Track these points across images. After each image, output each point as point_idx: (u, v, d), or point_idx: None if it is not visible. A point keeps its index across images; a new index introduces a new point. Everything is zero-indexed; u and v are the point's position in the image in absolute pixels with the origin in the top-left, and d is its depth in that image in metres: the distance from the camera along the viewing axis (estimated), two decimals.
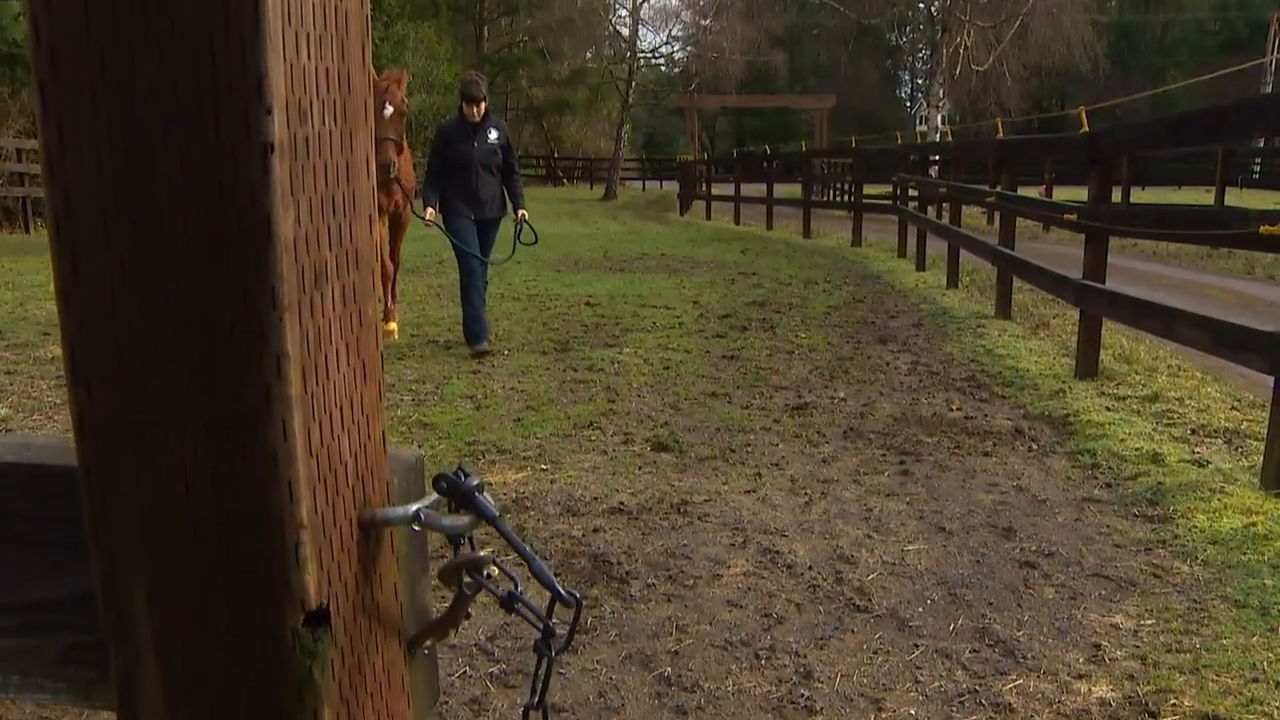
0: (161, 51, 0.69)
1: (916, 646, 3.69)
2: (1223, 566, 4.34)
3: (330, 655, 0.79)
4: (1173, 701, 3.29)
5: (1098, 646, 3.67)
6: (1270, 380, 5.29)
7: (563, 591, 0.90)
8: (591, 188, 50.33)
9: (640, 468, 5.65)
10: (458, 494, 0.86)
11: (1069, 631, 3.80)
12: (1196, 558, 4.45)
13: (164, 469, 0.72)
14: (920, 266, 15.13)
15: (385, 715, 0.90)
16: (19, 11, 19.85)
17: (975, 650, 3.66)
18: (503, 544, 4.39)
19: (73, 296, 0.73)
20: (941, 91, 45.51)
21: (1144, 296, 8.01)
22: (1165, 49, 66.52)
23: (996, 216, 13.29)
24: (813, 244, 20.47)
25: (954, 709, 3.29)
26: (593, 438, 6.21)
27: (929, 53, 53.34)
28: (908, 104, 75.14)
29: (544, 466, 5.66)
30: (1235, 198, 24.54)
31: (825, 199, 31.05)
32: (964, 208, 14.26)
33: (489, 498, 0.85)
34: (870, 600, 4.05)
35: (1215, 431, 6.29)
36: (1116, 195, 19.81)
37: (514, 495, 5.15)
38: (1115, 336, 8.93)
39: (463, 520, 0.85)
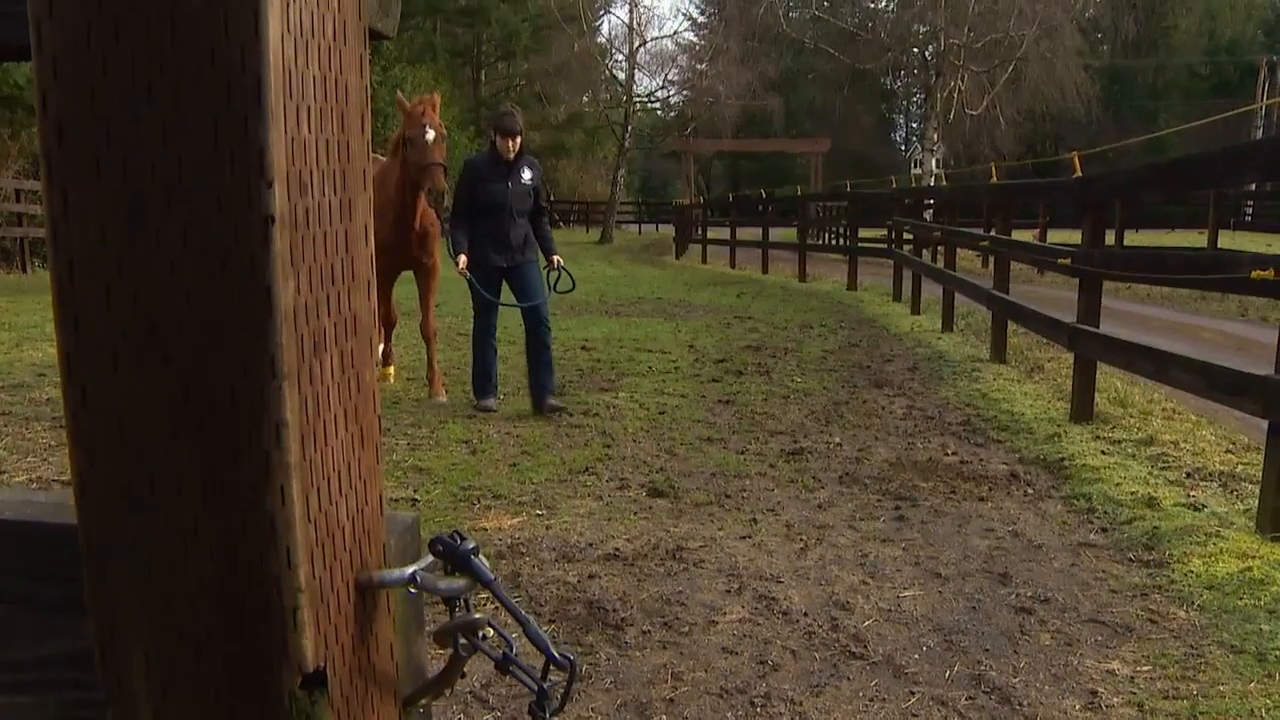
0: (165, 125, 0.70)
1: (912, 694, 3.68)
2: (1219, 612, 4.34)
3: (327, 717, 0.80)
4: None
5: (1094, 693, 3.66)
6: (1264, 423, 5.31)
7: (557, 655, 0.91)
8: (588, 231, 50.51)
9: (636, 513, 5.65)
10: (454, 557, 0.87)
11: (1065, 678, 3.80)
12: (1193, 603, 4.44)
13: (163, 535, 0.73)
14: (915, 310, 15.18)
15: None
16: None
17: (971, 697, 3.65)
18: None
19: (75, 363, 0.75)
20: (936, 135, 45.88)
21: (1138, 339, 8.05)
22: (1157, 92, 66.98)
23: (991, 259, 13.35)
24: (808, 287, 20.53)
25: None
26: (588, 483, 6.21)
27: (923, 97, 53.78)
28: (902, 147, 75.63)
29: (539, 512, 5.65)
30: (1228, 240, 24.66)
31: (821, 242, 31.18)
32: (958, 250, 14.32)
33: (484, 560, 0.86)
34: (866, 647, 4.04)
35: (1210, 475, 6.29)
36: (1110, 238, 19.91)
37: (509, 541, 5.14)
38: (1110, 380, 8.95)
39: (458, 583, 0.86)
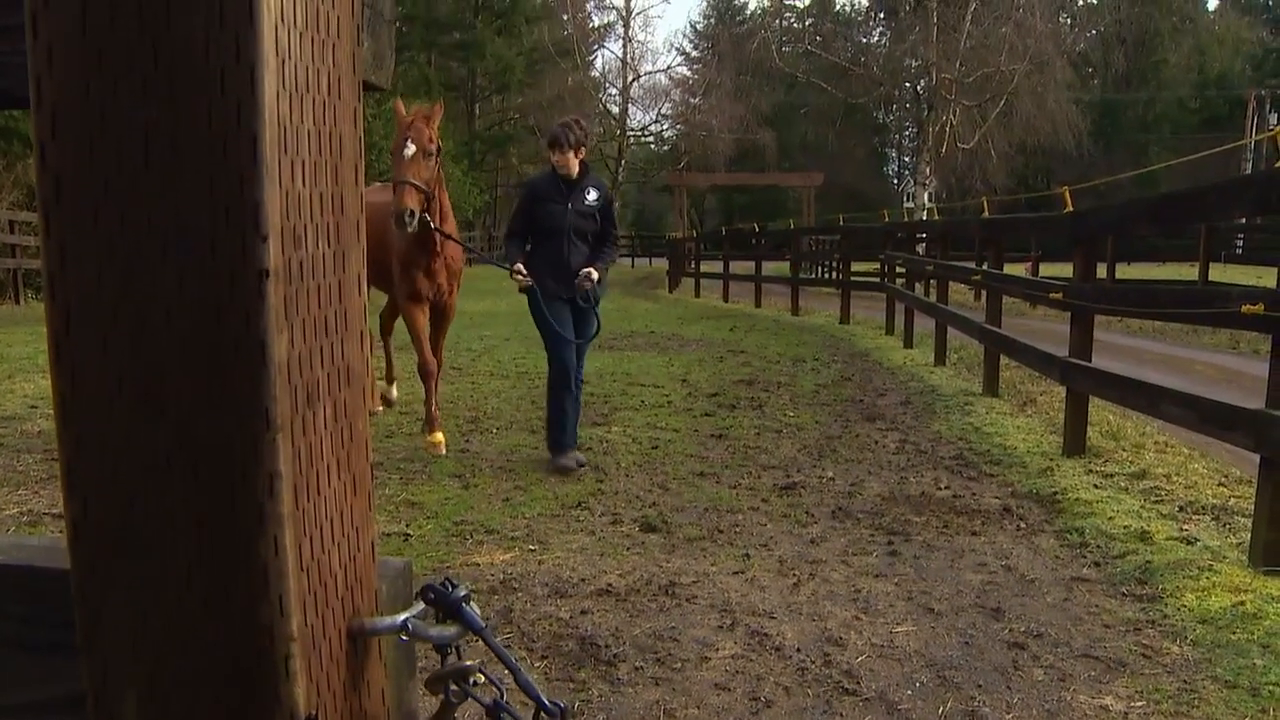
0: (163, 180, 0.71)
1: None
2: (1212, 646, 4.33)
3: None
4: None
5: None
6: (1256, 456, 5.32)
7: (547, 702, 0.91)
8: None
9: (628, 548, 5.64)
10: (445, 604, 0.88)
11: (1058, 714, 3.79)
12: (1186, 637, 4.44)
13: (157, 584, 0.74)
14: (908, 344, 15.21)
15: None
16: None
17: None
18: (499, 637, 4.38)
19: (71, 411, 0.76)
20: (928, 169, 46.08)
21: (1130, 372, 8.07)
22: (1147, 126, 67.39)
23: (983, 293, 13.39)
24: (801, 321, 20.56)
25: None
26: (581, 518, 6.20)
27: (915, 131, 54.11)
28: (895, 181, 75.91)
29: (532, 547, 5.65)
30: (1219, 273, 24.76)
31: (813, 276, 31.25)
32: (951, 284, 14.37)
33: (475, 608, 0.87)
34: (859, 683, 4.03)
35: (1203, 508, 6.30)
36: (1102, 271, 19.99)
37: (501, 576, 5.13)
38: (1102, 413, 8.97)
39: (449, 630, 0.87)
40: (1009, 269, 13.60)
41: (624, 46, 52.64)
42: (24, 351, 12.98)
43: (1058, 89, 47.31)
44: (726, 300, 26.54)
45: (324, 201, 0.79)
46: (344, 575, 0.83)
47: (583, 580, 5.11)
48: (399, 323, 9.22)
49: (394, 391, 9.97)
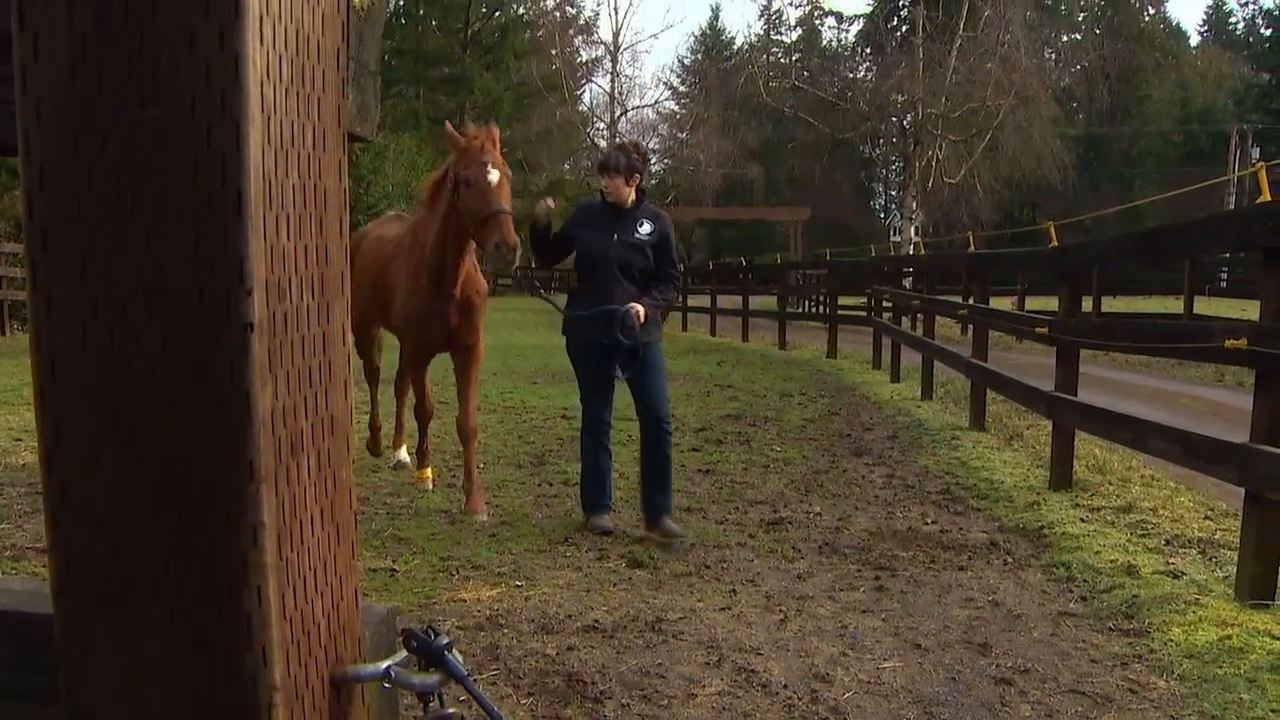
0: (148, 234, 0.72)
1: None
2: (1199, 681, 4.33)
3: None
4: None
5: None
6: (1242, 490, 5.34)
7: None
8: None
9: (615, 584, 5.63)
10: (428, 653, 0.88)
11: None
12: (1173, 672, 4.44)
13: (141, 634, 0.75)
14: (895, 378, 15.24)
15: None
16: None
17: None
18: (485, 673, 4.35)
19: (55, 464, 0.76)
20: (914, 203, 46.31)
21: (1116, 406, 8.10)
22: (1132, 160, 67.91)
23: (970, 327, 13.44)
24: (788, 355, 20.59)
25: None
26: (568, 553, 6.19)
27: (902, 165, 54.47)
28: (882, 215, 76.32)
29: (518, 583, 5.63)
30: (1204, 306, 24.90)
31: (800, 310, 31.32)
32: (937, 318, 14.43)
33: (458, 656, 0.88)
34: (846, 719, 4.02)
35: (1189, 542, 6.31)
36: (1087, 304, 20.08)
37: (488, 612, 5.11)
38: (1089, 447, 8.99)
39: (432, 678, 0.88)
40: (995, 303, 13.65)
41: (612, 81, 52.93)
42: (9, 383, 12.92)
43: (1043, 124, 47.63)
44: (714, 334, 26.56)
45: (308, 254, 0.80)
46: (327, 624, 0.84)
47: (569, 616, 5.10)
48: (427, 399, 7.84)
49: (405, 454, 8.72)
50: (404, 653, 0.90)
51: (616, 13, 53.51)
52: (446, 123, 6.83)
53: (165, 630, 0.77)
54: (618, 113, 52.43)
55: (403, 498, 7.52)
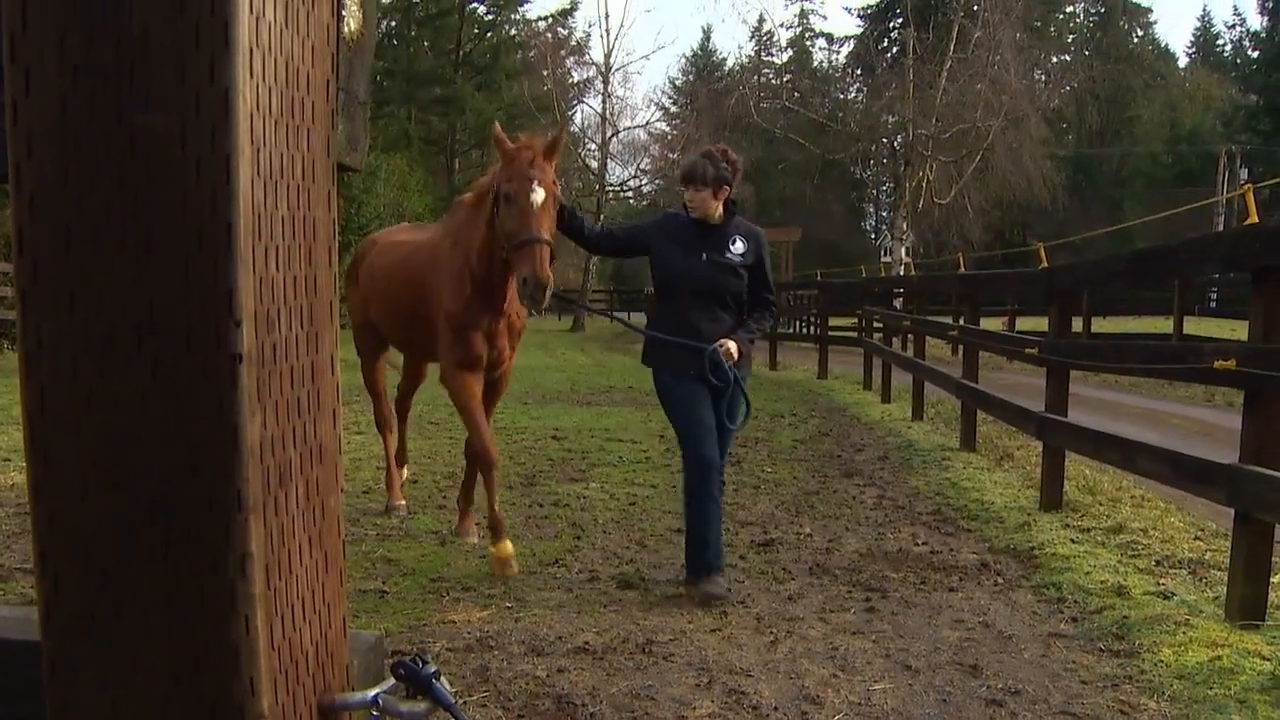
0: (138, 265, 0.73)
1: None
2: (1189, 702, 4.34)
3: None
4: None
5: None
6: (1231, 510, 5.36)
7: None
8: (560, 319, 50.64)
9: (605, 605, 5.63)
10: (416, 681, 0.88)
11: None
12: (1163, 693, 4.44)
13: (128, 664, 0.75)
14: (886, 399, 15.26)
15: None
16: None
17: None
18: (475, 695, 4.34)
19: (43, 492, 0.76)
20: (905, 224, 46.39)
21: (1106, 426, 8.12)
22: (1122, 180, 68.18)
23: (960, 348, 13.47)
24: (779, 376, 20.60)
25: None
26: (558, 575, 6.18)
27: (893, 186, 54.57)
28: (872, 236, 76.42)
29: (509, 604, 5.62)
30: (1194, 326, 24.92)
31: (791, 331, 31.36)
32: (928, 338, 14.46)
33: (446, 684, 0.88)
34: None
35: (1180, 562, 6.32)
36: (1078, 324, 20.14)
37: (478, 634, 5.11)
38: (1079, 468, 9.00)
39: (420, 707, 0.88)
40: (986, 323, 13.68)
41: (603, 102, 52.86)
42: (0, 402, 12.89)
43: (1033, 145, 47.79)
44: None
45: (297, 284, 0.81)
46: (315, 652, 0.84)
47: (560, 638, 5.09)
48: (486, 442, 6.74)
49: (405, 474, 8.30)
50: (392, 680, 0.90)
51: (608, 34, 53.63)
52: (496, 124, 6.14)
53: (153, 660, 0.77)
54: (609, 133, 52.42)
55: (393, 519, 7.51)
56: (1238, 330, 19.63)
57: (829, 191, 64.19)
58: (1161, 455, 6.21)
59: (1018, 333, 15.36)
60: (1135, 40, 73.16)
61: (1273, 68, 68.37)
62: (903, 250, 45.31)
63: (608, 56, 50.70)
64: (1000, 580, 6.12)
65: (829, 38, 75.74)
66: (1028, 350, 8.84)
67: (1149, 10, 75.11)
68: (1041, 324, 10.45)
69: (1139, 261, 7.63)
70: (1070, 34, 71.76)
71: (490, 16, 58.10)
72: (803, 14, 77.90)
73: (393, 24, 54.81)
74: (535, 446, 10.92)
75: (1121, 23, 72.20)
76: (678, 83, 79.74)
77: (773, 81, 67.31)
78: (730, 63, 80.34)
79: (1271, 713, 4.15)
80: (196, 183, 0.73)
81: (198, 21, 0.70)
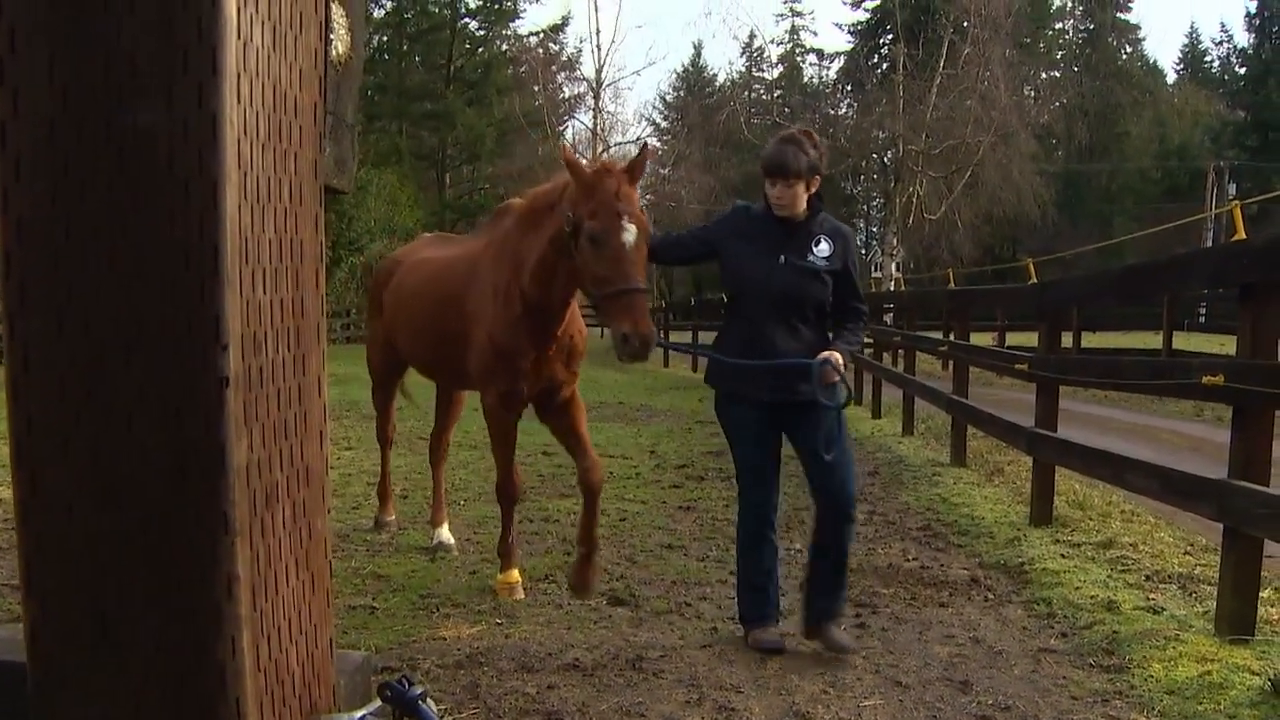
0: (126, 286, 0.73)
1: None
2: (1180, 717, 4.34)
3: None
4: None
5: None
6: (1220, 525, 5.37)
7: None
8: None
9: (595, 622, 5.62)
10: (401, 702, 0.89)
11: None
12: (1153, 708, 4.44)
13: (115, 684, 0.75)
14: (876, 414, 15.27)
15: None
16: None
17: None
18: (464, 712, 4.33)
19: (31, 512, 0.77)
20: (895, 239, 46.50)
21: (1096, 441, 8.14)
22: (1111, 195, 68.39)
23: (950, 363, 13.49)
24: None
25: None
26: (548, 591, 6.17)
27: (883, 202, 54.73)
28: (863, 251, 76.55)
29: (499, 621, 5.61)
30: (1183, 341, 25.01)
31: None
32: (918, 354, 14.48)
33: (432, 705, 0.88)
34: None
35: (1169, 577, 6.32)
36: (1068, 339, 20.19)
37: (468, 651, 5.09)
38: (1069, 483, 9.01)
39: None
40: (976, 339, 13.72)
41: (594, 117, 53.00)
42: None
43: (1022, 160, 47.94)
44: (695, 370, 26.54)
45: (284, 307, 0.81)
46: (301, 673, 0.84)
47: (550, 654, 5.08)
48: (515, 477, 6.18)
49: (446, 533, 7.25)
50: (379, 701, 0.90)
51: (599, 50, 53.67)
52: (564, 144, 5.41)
53: (139, 681, 0.77)
54: (600, 149, 52.49)
55: (383, 535, 7.49)
56: (1226, 345, 19.69)
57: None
58: (1151, 470, 6.22)
59: (1008, 348, 15.39)
60: (1124, 57, 73.43)
61: (1260, 84, 68.87)
62: (893, 265, 45.41)
63: (599, 72, 50.89)
64: (990, 596, 6.12)
65: (819, 53, 75.95)
66: (1018, 366, 8.86)
67: (1137, 27, 75.45)
68: (1031, 339, 10.48)
69: (1128, 277, 7.65)
70: (1059, 50, 72.04)
71: (482, 32, 58.32)
72: (793, 30, 78.33)
73: (384, 39, 55.00)
74: (526, 462, 10.89)
75: (1110, 39, 72.48)
76: (669, 98, 79.90)
77: (763, 97, 67.59)
78: (721, 78, 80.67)
79: None
80: (184, 207, 0.74)
81: (186, 47, 0.71)
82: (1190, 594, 6.00)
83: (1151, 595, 5.95)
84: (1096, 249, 33.10)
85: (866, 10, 64.88)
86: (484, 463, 10.73)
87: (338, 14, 0.93)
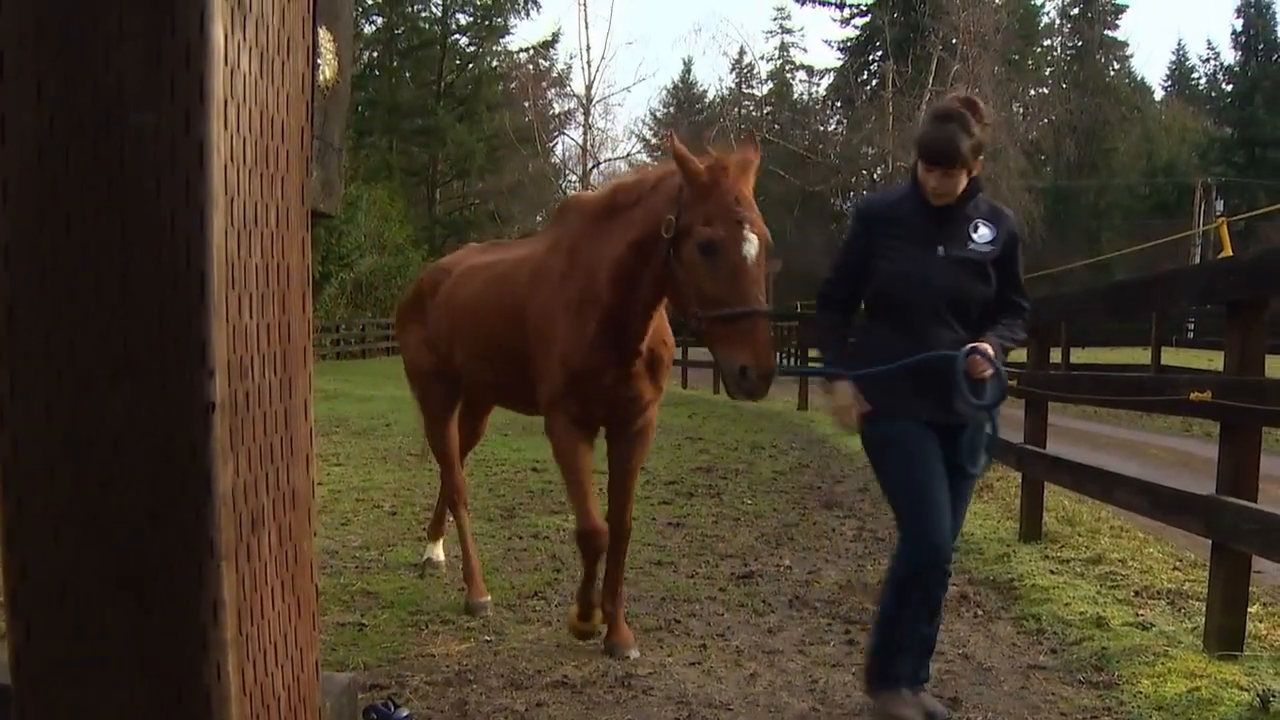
0: (113, 313, 0.74)
1: None
2: None
3: None
4: None
5: None
6: (1209, 540, 5.38)
7: None
8: None
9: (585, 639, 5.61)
10: None
11: None
12: None
13: (99, 709, 0.75)
14: None
15: None
16: None
17: None
18: None
19: (16, 537, 0.77)
20: None
21: (1085, 457, 8.15)
22: (1099, 211, 68.67)
23: None
24: (759, 408, 20.53)
25: None
26: (537, 607, 6.16)
27: None
28: None
29: (488, 638, 5.60)
30: (1171, 356, 25.09)
31: None
32: None
33: None
34: None
35: (1158, 593, 6.33)
36: (1056, 355, 20.23)
37: (457, 668, 5.08)
38: (1058, 499, 9.03)
39: None
40: None
41: (584, 134, 53.11)
42: None
43: (1011, 176, 48.19)
44: (685, 386, 26.53)
45: (271, 331, 0.81)
46: (288, 696, 0.84)
47: (539, 672, 5.07)
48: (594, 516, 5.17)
49: (438, 549, 7.13)
50: None
51: (589, 66, 53.84)
52: (672, 134, 4.67)
53: (125, 705, 0.77)
54: (590, 165, 52.59)
55: (372, 551, 7.48)
56: (1215, 361, 19.74)
57: (809, 224, 64.36)
58: (1139, 486, 6.24)
59: None
60: (1112, 74, 73.90)
61: (1246, 101, 69.26)
62: None
63: (589, 88, 51.03)
64: (980, 612, 6.13)
65: (809, 70, 76.09)
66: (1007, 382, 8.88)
67: (1125, 44, 75.89)
68: (1019, 356, 10.50)
69: (1116, 294, 7.69)
70: (1048, 67, 72.45)
71: (472, 48, 58.47)
72: (783, 47, 78.50)
73: (374, 55, 55.11)
74: (515, 479, 10.91)
75: (1098, 56, 72.92)
76: (659, 114, 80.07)
77: (753, 114, 67.77)
78: (711, 95, 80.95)
79: None
80: (171, 233, 0.74)
81: (173, 74, 0.71)
82: (1179, 610, 6.01)
83: (1140, 611, 5.96)
84: (1085, 265, 33.20)
85: (856, 27, 65.12)
86: (471, 480, 10.70)
87: (325, 39, 0.94)
